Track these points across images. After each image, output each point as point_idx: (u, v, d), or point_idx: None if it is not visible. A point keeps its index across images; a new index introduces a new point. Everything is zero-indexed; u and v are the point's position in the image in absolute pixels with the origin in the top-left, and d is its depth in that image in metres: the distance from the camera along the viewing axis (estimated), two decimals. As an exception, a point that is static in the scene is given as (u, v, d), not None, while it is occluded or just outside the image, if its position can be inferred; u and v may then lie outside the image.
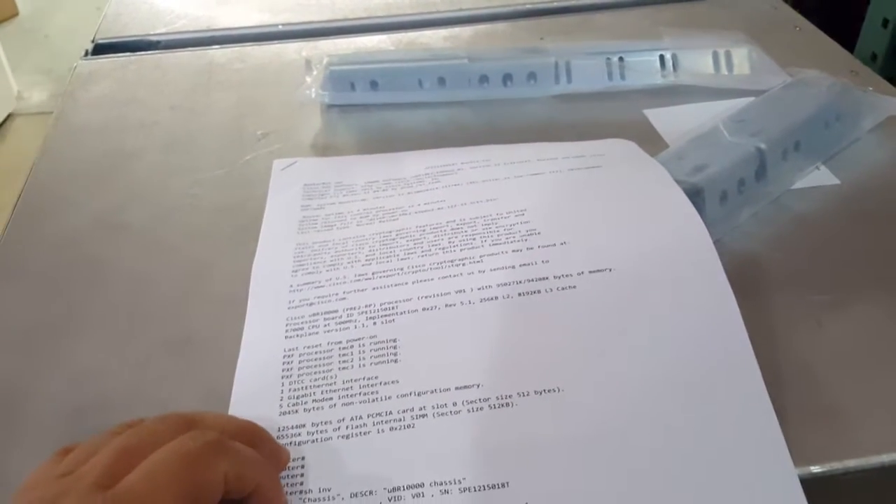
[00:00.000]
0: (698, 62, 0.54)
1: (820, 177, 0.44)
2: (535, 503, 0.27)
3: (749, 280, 0.37)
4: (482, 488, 0.27)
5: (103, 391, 0.34)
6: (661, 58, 0.54)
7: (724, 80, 0.53)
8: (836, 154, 0.45)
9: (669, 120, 0.50)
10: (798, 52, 0.57)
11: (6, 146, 1.89)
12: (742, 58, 0.54)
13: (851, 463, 0.29)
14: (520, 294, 0.34)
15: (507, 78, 0.53)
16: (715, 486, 0.27)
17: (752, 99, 0.48)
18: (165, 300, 0.39)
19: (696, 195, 0.39)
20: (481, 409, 0.30)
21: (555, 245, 0.37)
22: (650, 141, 0.47)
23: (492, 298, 0.34)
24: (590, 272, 0.35)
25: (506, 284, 0.35)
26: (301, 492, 0.27)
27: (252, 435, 0.28)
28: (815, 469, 0.28)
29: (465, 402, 0.30)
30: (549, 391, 0.30)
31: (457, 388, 0.30)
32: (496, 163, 0.44)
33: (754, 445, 0.28)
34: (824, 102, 0.46)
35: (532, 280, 0.35)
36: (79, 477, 0.24)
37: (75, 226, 0.44)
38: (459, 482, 0.27)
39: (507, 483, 0.27)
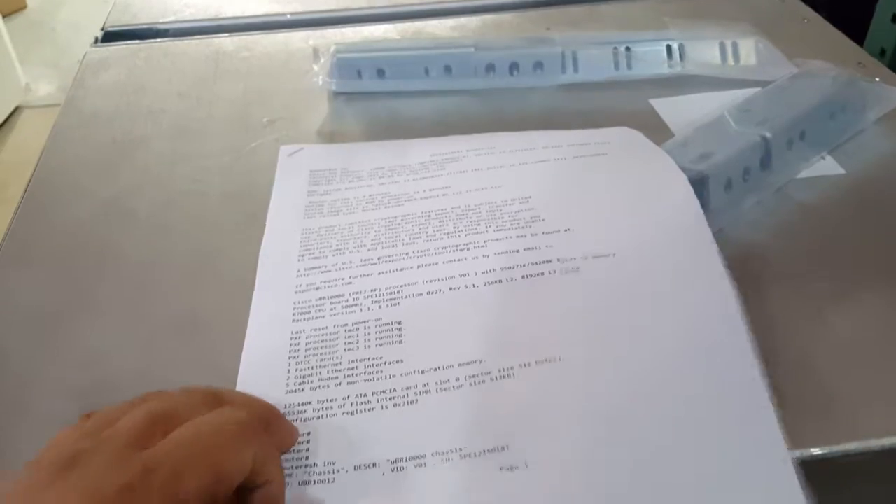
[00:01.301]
0: (705, 52, 0.54)
1: (825, 166, 0.44)
2: (533, 462, 0.27)
3: (752, 268, 0.37)
4: (482, 453, 0.28)
5: (112, 374, 0.34)
6: (668, 48, 0.54)
7: (731, 70, 0.53)
8: (841, 144, 0.45)
9: (675, 110, 0.50)
10: (806, 43, 0.57)
11: (14, 138, 1.90)
12: (749, 48, 0.54)
13: (851, 446, 0.29)
14: (523, 277, 0.35)
15: (513, 67, 0.53)
16: (708, 457, 0.27)
17: (758, 89, 0.48)
18: (173, 285, 0.39)
19: (700, 183, 0.39)
20: (483, 381, 0.30)
21: (559, 231, 0.37)
22: (656, 130, 0.47)
23: (496, 282, 0.35)
24: (593, 257, 0.35)
25: (509, 268, 0.35)
26: (306, 465, 0.28)
27: (270, 413, 0.28)
28: (815, 451, 0.29)
29: (467, 377, 0.30)
30: (549, 361, 0.31)
31: (459, 365, 0.31)
32: (501, 150, 0.44)
33: (748, 422, 0.28)
34: (830, 93, 0.46)
35: (535, 263, 0.35)
36: (110, 437, 0.24)
37: (84, 212, 0.44)
38: (460, 450, 0.28)
39: (507, 446, 0.28)
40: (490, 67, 0.53)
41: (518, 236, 0.37)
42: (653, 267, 0.35)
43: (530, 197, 0.40)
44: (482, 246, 0.37)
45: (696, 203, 0.37)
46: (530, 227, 0.38)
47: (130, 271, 0.40)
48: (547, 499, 0.27)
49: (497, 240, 0.37)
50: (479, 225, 0.38)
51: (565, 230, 0.37)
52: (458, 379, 0.30)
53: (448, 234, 0.38)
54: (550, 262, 0.35)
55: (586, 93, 0.53)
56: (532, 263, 0.35)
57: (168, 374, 0.34)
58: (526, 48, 0.54)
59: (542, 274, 0.35)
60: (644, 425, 0.28)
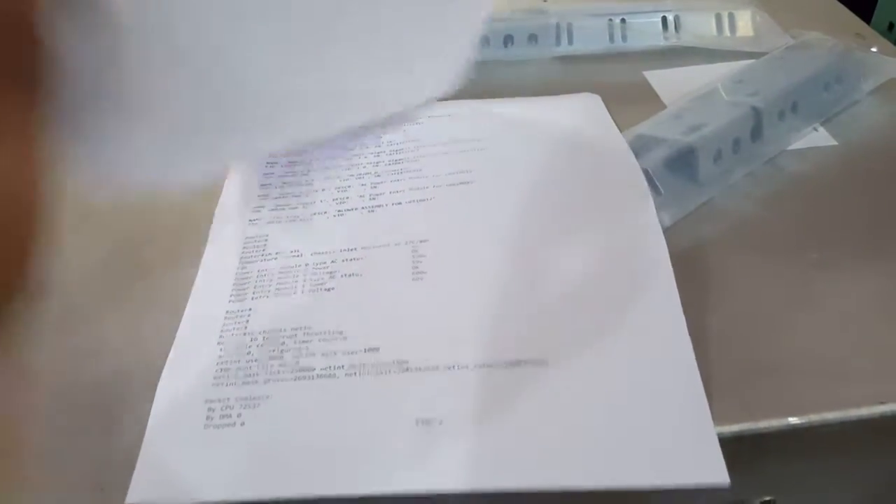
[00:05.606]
0: (701, 24, 0.53)
1: (817, 138, 0.44)
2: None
3: (741, 238, 0.37)
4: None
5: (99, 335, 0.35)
6: (664, 19, 0.53)
7: (727, 42, 0.53)
8: (834, 115, 0.45)
9: (669, 82, 0.50)
10: (805, 14, 0.56)
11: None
12: (745, 20, 0.53)
13: (830, 416, 0.29)
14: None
15: (507, 39, 0.53)
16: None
17: (753, 61, 0.48)
18: (156, 249, 0.39)
19: (689, 154, 0.39)
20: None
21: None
22: (649, 103, 0.47)
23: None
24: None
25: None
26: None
27: None
28: (794, 420, 0.29)
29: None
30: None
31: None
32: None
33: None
34: (825, 64, 0.46)
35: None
36: None
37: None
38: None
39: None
40: (484, 40, 0.53)
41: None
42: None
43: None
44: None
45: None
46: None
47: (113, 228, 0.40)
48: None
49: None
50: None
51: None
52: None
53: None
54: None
55: (581, 65, 0.52)
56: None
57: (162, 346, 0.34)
58: (520, 20, 0.53)
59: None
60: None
